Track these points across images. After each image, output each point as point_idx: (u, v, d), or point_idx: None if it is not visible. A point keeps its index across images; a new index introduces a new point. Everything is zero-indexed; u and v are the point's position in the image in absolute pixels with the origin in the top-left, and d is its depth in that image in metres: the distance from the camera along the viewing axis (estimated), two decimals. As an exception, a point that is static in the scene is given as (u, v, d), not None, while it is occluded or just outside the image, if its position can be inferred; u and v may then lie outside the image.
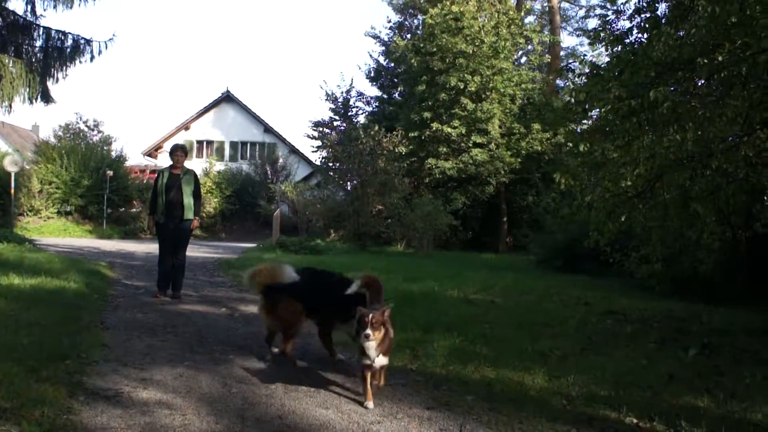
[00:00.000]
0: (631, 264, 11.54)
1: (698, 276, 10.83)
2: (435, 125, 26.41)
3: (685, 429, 4.25)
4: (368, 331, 4.53)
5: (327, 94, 33.22)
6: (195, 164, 26.14)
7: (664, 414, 4.51)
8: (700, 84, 9.11)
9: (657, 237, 10.04)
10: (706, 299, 10.38)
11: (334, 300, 5.61)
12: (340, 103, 33.19)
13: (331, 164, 27.69)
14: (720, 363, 6.21)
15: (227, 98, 39.95)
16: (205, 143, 40.06)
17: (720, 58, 8.57)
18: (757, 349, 6.80)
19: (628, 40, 9.12)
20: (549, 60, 32.56)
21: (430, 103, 26.95)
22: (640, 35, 9.02)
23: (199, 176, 10.11)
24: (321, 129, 33.46)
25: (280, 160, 36.44)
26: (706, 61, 8.51)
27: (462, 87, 26.31)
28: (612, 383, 5.32)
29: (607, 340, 7.23)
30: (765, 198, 10.24)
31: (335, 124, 33.29)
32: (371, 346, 4.61)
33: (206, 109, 40.23)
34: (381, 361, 4.74)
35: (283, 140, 39.36)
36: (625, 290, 11.97)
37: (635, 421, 4.45)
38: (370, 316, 4.59)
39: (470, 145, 26.61)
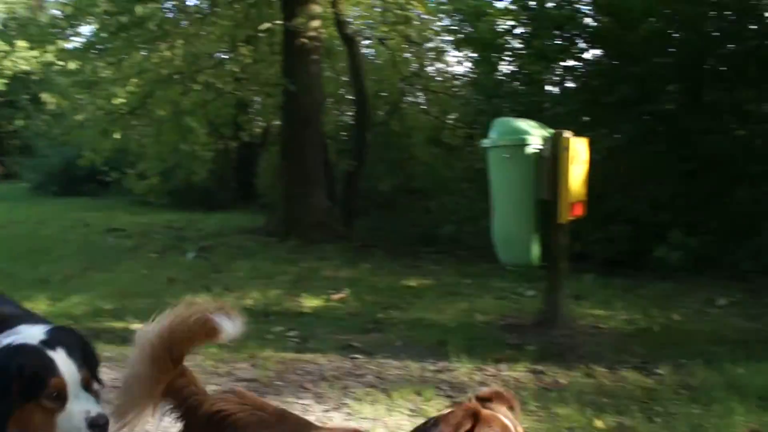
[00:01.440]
0: (129, 181, 11.59)
1: (194, 186, 11.51)
2: None
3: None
4: None
5: None
6: None
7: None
8: (189, 3, 9.49)
9: (153, 152, 10.29)
10: (203, 207, 11.17)
11: None
12: None
13: None
14: (217, 261, 6.84)
15: None
16: None
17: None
18: (246, 245, 7.68)
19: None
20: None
21: None
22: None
23: None
24: None
25: None
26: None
27: None
28: (116, 296, 5.43)
29: (109, 256, 7.28)
30: (249, 110, 11.32)
31: None
32: None
33: None
34: None
35: None
36: (126, 207, 12.04)
37: (140, 326, 4.62)
38: None
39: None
